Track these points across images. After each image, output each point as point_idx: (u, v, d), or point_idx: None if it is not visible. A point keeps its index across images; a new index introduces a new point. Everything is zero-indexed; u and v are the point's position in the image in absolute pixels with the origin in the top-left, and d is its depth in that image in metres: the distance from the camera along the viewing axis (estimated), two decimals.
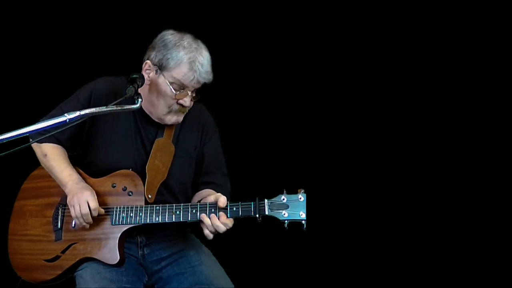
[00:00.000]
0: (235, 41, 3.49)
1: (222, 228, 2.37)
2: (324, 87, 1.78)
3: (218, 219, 2.37)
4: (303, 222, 2.33)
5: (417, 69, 1.69)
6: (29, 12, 3.49)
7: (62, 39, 3.50)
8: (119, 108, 2.35)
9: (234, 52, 3.54)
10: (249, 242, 3.36)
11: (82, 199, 2.46)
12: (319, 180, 1.78)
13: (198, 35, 2.56)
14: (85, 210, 2.45)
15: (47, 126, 2.07)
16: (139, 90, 2.42)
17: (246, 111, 3.62)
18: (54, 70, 3.50)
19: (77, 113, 2.11)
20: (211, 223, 2.37)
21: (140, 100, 2.39)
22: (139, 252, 2.58)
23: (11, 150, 2.09)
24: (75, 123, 2.12)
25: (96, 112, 2.20)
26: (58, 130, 2.21)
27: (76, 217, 2.48)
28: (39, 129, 2.06)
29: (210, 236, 2.41)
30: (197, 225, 2.50)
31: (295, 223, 2.35)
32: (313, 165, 1.81)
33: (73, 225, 2.55)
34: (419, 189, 1.68)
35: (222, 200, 2.38)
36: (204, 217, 2.39)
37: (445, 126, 1.67)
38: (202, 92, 2.56)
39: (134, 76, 2.44)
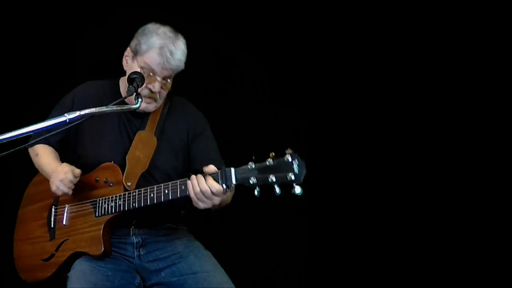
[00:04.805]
0: (235, 41, 3.49)
1: (204, 187, 2.26)
2: (324, 87, 1.78)
3: (199, 185, 2.27)
4: (275, 186, 2.14)
5: (417, 69, 1.70)
6: (29, 12, 3.50)
7: (62, 39, 3.51)
8: (119, 108, 2.37)
9: (234, 52, 3.54)
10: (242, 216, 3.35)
11: (60, 171, 2.49)
12: (318, 179, 1.79)
13: (198, 35, 2.55)
14: (67, 181, 2.47)
15: (47, 126, 2.07)
16: (121, 80, 2.57)
17: (246, 111, 3.62)
18: (54, 70, 3.51)
19: (77, 113, 2.12)
20: (197, 183, 2.28)
21: (140, 100, 2.42)
22: (135, 253, 2.59)
23: (11, 150, 2.09)
24: (74, 123, 2.13)
25: (96, 112, 2.20)
26: (53, 133, 2.28)
27: (60, 189, 2.50)
28: (39, 129, 2.06)
29: (202, 206, 2.33)
30: (195, 225, 2.48)
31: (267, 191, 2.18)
32: (313, 164, 1.81)
33: (63, 223, 2.58)
34: (425, 204, 1.68)
35: (211, 167, 2.30)
36: (192, 178, 2.30)
37: (443, 124, 1.68)
38: (203, 92, 2.56)
39: (134, 76, 2.47)
